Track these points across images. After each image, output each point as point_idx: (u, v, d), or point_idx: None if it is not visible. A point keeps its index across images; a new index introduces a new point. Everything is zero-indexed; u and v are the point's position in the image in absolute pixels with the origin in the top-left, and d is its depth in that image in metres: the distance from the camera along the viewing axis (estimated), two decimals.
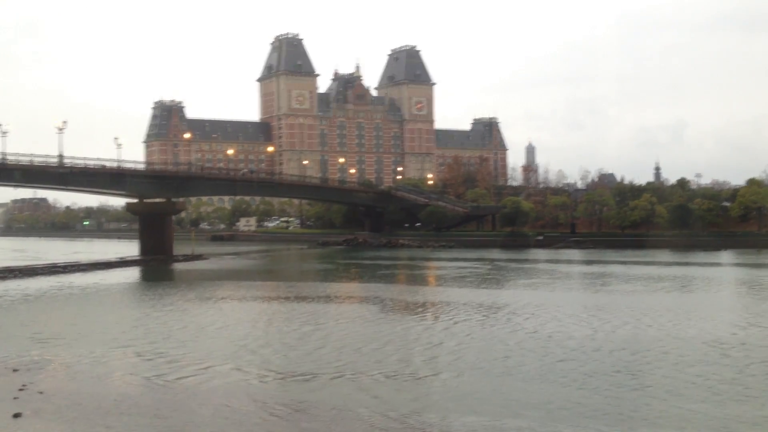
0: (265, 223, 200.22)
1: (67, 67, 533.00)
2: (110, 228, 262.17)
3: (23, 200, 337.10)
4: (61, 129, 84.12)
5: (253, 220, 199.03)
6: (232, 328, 37.96)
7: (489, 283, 62.21)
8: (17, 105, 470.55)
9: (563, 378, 25.63)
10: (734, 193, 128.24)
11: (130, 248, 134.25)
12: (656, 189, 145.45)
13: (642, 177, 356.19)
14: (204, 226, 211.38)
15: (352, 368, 27.54)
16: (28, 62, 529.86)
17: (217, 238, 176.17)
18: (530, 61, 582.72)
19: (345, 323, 39.08)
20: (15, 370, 27.52)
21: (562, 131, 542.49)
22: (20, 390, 24.27)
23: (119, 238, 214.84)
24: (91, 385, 25.53)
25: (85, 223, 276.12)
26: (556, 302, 46.70)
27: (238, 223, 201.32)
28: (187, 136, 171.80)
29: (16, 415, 21.14)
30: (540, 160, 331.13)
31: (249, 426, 20.69)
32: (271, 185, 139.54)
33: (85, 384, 25.63)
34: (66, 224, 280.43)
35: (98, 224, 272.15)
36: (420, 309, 44.91)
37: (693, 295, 52.16)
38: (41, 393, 23.97)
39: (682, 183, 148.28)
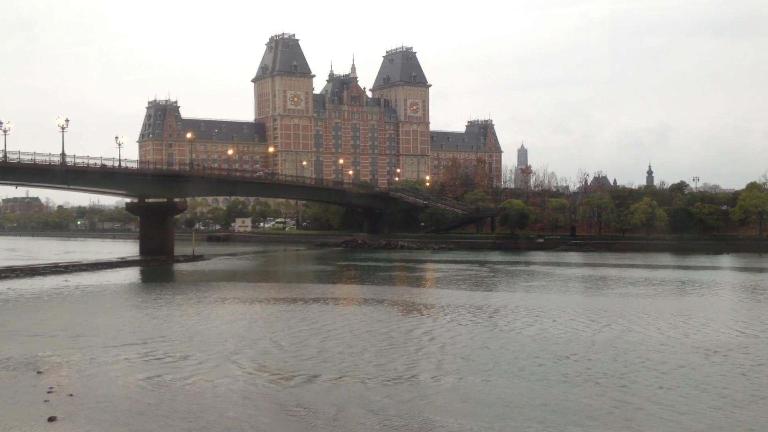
0: (261, 224, 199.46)
1: (59, 66, 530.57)
2: (104, 228, 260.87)
3: (14, 199, 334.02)
4: (63, 127, 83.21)
5: (248, 221, 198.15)
6: (251, 330, 37.67)
7: (488, 286, 61.72)
8: (8, 105, 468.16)
9: (555, 380, 25.57)
10: (734, 197, 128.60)
11: (126, 248, 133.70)
12: (655, 192, 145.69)
13: (631, 179, 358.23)
14: (199, 226, 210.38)
15: (353, 371, 27.40)
16: (19, 62, 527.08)
17: (213, 239, 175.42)
18: (516, 64, 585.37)
19: (349, 325, 38.86)
20: (39, 372, 27.05)
21: (548, 134, 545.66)
22: (49, 392, 23.83)
23: (113, 238, 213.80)
24: (119, 387, 25.11)
25: (78, 222, 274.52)
26: (554, 305, 46.44)
27: (233, 224, 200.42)
28: (189, 135, 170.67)
29: (51, 419, 20.72)
30: (531, 162, 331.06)
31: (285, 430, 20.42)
32: (270, 186, 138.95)
33: (113, 386, 25.22)
34: (59, 224, 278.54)
35: (91, 224, 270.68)
36: (416, 312, 44.41)
37: (691, 298, 51.90)
38: (71, 396, 23.52)
39: (680, 187, 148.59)
